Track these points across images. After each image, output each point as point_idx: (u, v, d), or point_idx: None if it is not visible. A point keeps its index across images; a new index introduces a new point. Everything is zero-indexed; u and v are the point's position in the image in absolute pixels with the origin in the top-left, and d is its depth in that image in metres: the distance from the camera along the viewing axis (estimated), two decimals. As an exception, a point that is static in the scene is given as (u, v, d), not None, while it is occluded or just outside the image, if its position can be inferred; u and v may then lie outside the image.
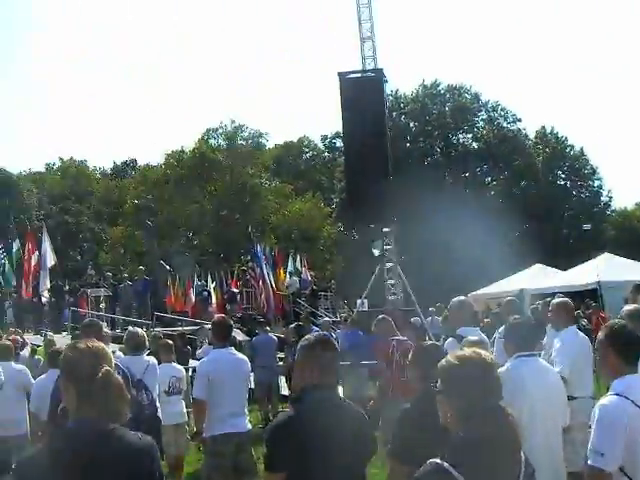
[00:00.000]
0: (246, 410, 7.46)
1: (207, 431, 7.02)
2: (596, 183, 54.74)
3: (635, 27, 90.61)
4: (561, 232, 52.14)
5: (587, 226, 44.12)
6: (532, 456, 2.90)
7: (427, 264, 41.31)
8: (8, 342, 11.38)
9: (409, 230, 30.65)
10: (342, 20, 76.75)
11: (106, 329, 9.08)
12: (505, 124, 54.12)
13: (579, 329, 7.89)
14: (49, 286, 24.18)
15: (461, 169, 53.35)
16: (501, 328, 7.42)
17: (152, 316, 21.49)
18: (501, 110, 54.33)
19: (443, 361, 2.97)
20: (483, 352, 2.97)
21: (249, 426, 7.37)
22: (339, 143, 62.08)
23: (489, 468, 2.59)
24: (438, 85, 53.89)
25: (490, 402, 2.77)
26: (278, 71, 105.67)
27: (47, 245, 24.21)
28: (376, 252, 20.97)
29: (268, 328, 16.08)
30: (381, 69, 20.06)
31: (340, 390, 6.62)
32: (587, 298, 20.50)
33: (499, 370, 3.18)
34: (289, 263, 27.97)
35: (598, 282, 20.43)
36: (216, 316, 8.35)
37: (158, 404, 7.73)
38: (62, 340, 15.99)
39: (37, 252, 24.37)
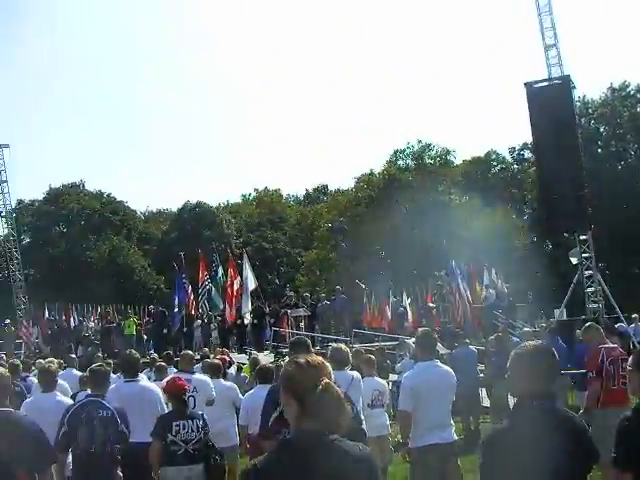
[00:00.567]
0: (452, 421, 7.42)
1: (413, 442, 7.04)
2: None
3: None
4: None
5: None
6: None
7: (629, 270, 39.44)
8: (218, 361, 12.04)
9: (607, 236, 29.45)
10: (525, 29, 75.43)
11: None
12: None
13: None
14: (250, 308, 25.25)
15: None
16: None
17: (350, 332, 21.89)
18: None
19: None
20: None
21: (455, 437, 7.32)
22: (527, 154, 60.64)
23: None
24: (627, 86, 51.38)
25: None
26: (462, 86, 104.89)
27: (248, 270, 25.33)
28: (574, 260, 20.37)
29: (467, 341, 15.97)
30: (568, 75, 19.56)
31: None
32: None
33: None
34: (484, 276, 27.62)
35: None
36: (420, 329, 8.38)
37: (362, 417, 7.89)
38: (265, 358, 16.67)
39: (239, 277, 25.55)
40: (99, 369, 7.29)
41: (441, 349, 17.12)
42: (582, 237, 19.14)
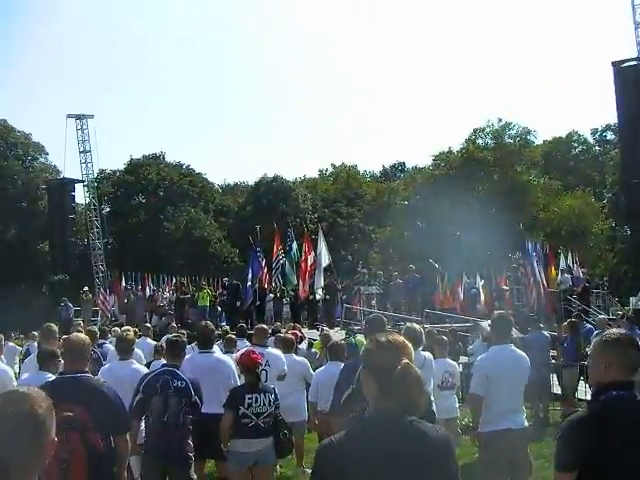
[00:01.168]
0: (523, 407, 7.35)
1: (483, 426, 6.97)
2: None
3: None
4: None
5: None
6: None
7: None
8: (291, 336, 12.15)
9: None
10: (614, 5, 73.12)
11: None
12: None
13: None
14: (323, 284, 25.33)
15: None
16: None
17: (422, 312, 21.81)
18: None
19: None
20: None
21: (526, 423, 7.24)
22: (610, 136, 59.11)
23: None
24: None
25: None
26: (544, 65, 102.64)
27: (323, 246, 25.37)
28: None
29: (541, 325, 15.75)
30: (659, 54, 18.90)
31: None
32: None
33: None
34: (560, 260, 27.12)
35: None
36: (496, 312, 8.27)
37: (432, 398, 7.86)
38: (336, 335, 16.72)
39: (313, 253, 25.64)
40: (177, 340, 7.42)
41: (514, 333, 16.92)
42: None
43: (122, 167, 59.88)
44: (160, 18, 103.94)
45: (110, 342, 13.56)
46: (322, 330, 17.77)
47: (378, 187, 65.94)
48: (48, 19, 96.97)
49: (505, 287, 24.31)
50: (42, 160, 59.42)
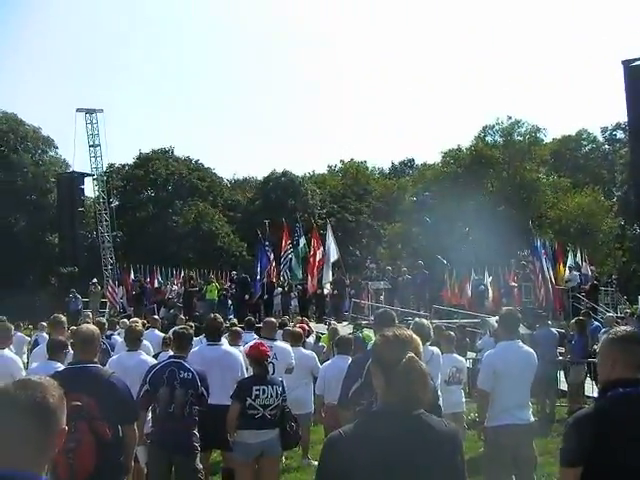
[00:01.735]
0: (530, 403, 7.39)
1: (489, 421, 7.01)
2: None
3: None
4: None
5: None
6: None
7: None
8: (299, 329, 12.20)
9: None
10: (624, 4, 72.83)
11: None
12: None
13: None
14: (331, 279, 25.38)
15: None
16: None
17: (430, 308, 21.82)
18: None
19: None
20: None
21: (532, 418, 7.27)
22: (620, 134, 58.91)
23: None
24: None
25: None
26: (554, 63, 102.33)
27: (331, 241, 25.43)
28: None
29: (549, 322, 15.76)
30: (671, 53, 18.82)
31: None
32: None
33: None
34: (569, 257, 27.10)
35: None
36: (504, 308, 8.29)
37: (439, 392, 7.87)
38: (344, 329, 16.76)
39: (322, 248, 25.69)
40: (184, 332, 7.47)
41: (521, 329, 16.93)
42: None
43: (131, 161, 59.99)
44: (170, 13, 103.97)
45: (118, 333, 13.64)
46: (330, 324, 17.80)
47: (387, 183, 65.93)
48: (58, 13, 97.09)
49: (513, 284, 24.30)
50: (52, 154, 59.54)
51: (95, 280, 31.56)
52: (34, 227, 54.02)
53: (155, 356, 9.90)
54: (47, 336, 12.25)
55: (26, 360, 13.55)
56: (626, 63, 18.62)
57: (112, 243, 44.18)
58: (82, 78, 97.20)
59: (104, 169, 47.46)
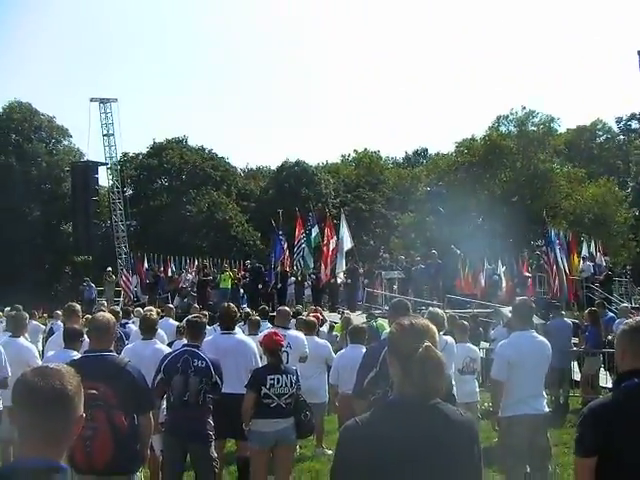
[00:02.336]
0: (544, 393, 7.36)
1: (503, 411, 7.00)
2: None
3: None
4: None
5: None
6: None
7: None
8: (313, 319, 12.20)
9: None
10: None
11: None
12: None
13: None
14: (345, 268, 25.37)
15: None
16: None
17: (443, 298, 21.79)
18: None
19: None
20: None
21: (546, 408, 7.26)
22: (635, 125, 58.58)
23: None
24: None
25: None
26: (569, 53, 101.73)
27: (345, 230, 25.40)
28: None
29: (563, 312, 15.71)
30: (686, 42, 18.64)
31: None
32: None
33: None
34: (583, 248, 27.01)
35: None
36: (518, 298, 8.26)
37: (453, 382, 7.85)
38: (357, 319, 16.74)
39: (335, 237, 25.67)
40: (197, 320, 7.49)
41: (535, 319, 16.88)
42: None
43: (145, 150, 60.03)
44: (183, 2, 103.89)
45: (133, 322, 13.69)
46: (343, 314, 17.80)
47: (400, 173, 65.77)
48: (72, 3, 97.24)
49: (527, 274, 24.22)
50: (66, 143, 59.80)
51: (110, 269, 31.68)
52: (48, 216, 54.31)
53: (169, 345, 9.93)
54: (62, 325, 12.33)
55: (41, 348, 13.64)
56: (641, 53, 18.44)
57: (126, 232, 44.29)
58: (96, 68, 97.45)
59: (118, 158, 47.56)
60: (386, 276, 24.85)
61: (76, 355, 6.68)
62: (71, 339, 7.44)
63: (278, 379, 6.97)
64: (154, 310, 10.04)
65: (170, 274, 31.28)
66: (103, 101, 43.48)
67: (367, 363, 5.94)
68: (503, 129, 53.99)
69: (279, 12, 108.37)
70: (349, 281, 25.22)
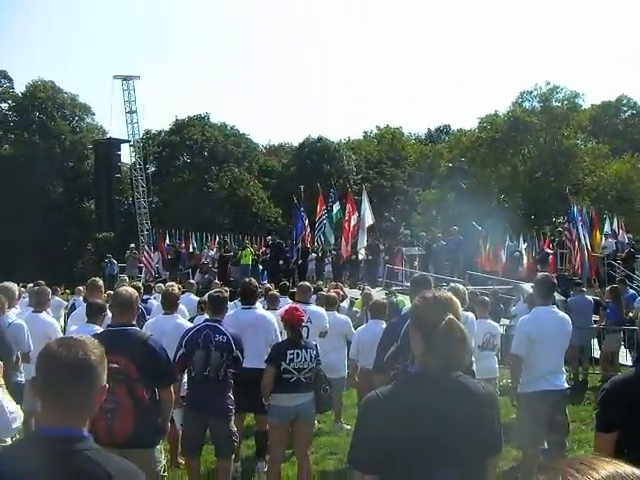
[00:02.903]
0: (564, 369, 7.36)
1: (523, 387, 7.02)
2: None
3: None
4: None
5: None
6: None
7: None
8: (334, 294, 12.23)
9: None
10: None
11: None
12: None
13: None
14: (366, 244, 25.35)
15: None
16: None
17: (464, 274, 21.73)
18: None
19: None
20: None
21: (566, 385, 7.27)
22: (661, 99, 57.79)
23: None
24: None
25: None
26: (594, 28, 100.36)
27: (367, 206, 25.34)
28: None
29: (584, 289, 15.62)
30: None
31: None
32: None
33: None
34: (605, 225, 26.78)
35: None
36: (540, 274, 8.22)
37: (473, 358, 7.83)
38: (377, 295, 16.74)
39: (357, 213, 25.63)
40: (218, 295, 7.52)
41: (556, 296, 16.80)
42: None
43: (167, 128, 60.13)
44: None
45: (154, 298, 13.79)
46: (364, 289, 17.81)
47: (422, 149, 65.44)
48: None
49: (549, 250, 24.09)
50: (89, 121, 60.08)
51: (132, 245, 31.85)
52: (71, 193, 54.73)
53: (190, 320, 10.01)
54: (84, 301, 12.44)
55: (63, 324, 13.78)
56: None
57: (148, 209, 44.51)
58: (119, 45, 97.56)
59: (140, 136, 47.71)
60: (407, 252, 24.83)
61: (99, 329, 6.75)
62: (94, 314, 7.52)
63: (298, 354, 7.00)
64: (175, 285, 10.09)
65: (191, 250, 31.39)
66: (126, 78, 43.57)
67: (387, 338, 5.94)
68: (527, 105, 53.52)
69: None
70: (370, 257, 25.18)
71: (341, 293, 15.98)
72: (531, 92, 53.30)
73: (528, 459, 7.18)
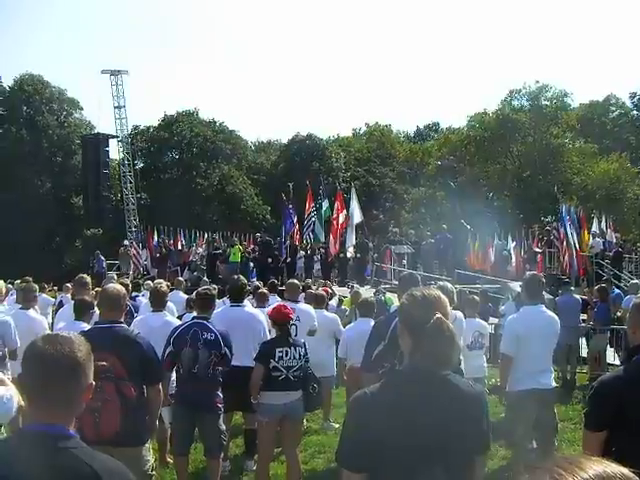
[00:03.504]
0: (552, 368, 7.38)
1: (511, 386, 7.02)
2: None
3: None
4: None
5: None
6: None
7: None
8: (322, 292, 12.23)
9: None
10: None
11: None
12: None
13: None
14: (354, 242, 25.35)
15: None
16: None
17: (452, 273, 21.76)
18: None
19: None
20: None
21: (554, 384, 7.29)
22: (649, 100, 58.07)
23: None
24: None
25: None
26: (582, 27, 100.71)
27: (355, 204, 25.34)
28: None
29: (572, 289, 15.66)
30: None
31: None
32: None
33: None
34: (593, 224, 26.88)
35: None
36: (528, 273, 8.24)
37: (461, 357, 7.81)
38: (366, 293, 16.74)
39: (345, 211, 25.63)
40: (207, 293, 7.50)
41: (544, 294, 16.81)
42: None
43: (156, 123, 59.89)
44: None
45: (143, 295, 13.74)
46: (352, 287, 17.80)
47: (411, 147, 65.51)
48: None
49: (537, 249, 24.14)
50: (77, 115, 59.75)
51: (127, 242, 31.75)
52: (59, 189, 54.45)
53: (179, 317, 9.98)
54: (71, 298, 12.37)
55: (50, 321, 13.70)
56: (657, 27, 18.20)
57: (136, 205, 44.43)
58: (108, 40, 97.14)
59: (129, 131, 47.59)
60: (395, 251, 24.84)
61: (86, 327, 6.72)
62: (81, 311, 7.48)
63: (287, 352, 7.00)
64: (164, 283, 10.05)
65: (180, 247, 31.26)
66: (114, 73, 43.46)
67: (375, 336, 5.93)
68: (516, 103, 53.74)
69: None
70: (358, 255, 25.20)
71: (329, 291, 15.96)
72: (520, 91, 53.55)
73: (517, 458, 7.19)
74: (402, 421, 2.76)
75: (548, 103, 52.42)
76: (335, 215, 25.82)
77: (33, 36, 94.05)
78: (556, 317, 7.37)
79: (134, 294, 13.39)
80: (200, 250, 30.23)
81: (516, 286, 13.31)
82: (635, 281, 18.39)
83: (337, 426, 9.67)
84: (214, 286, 13.15)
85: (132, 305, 11.13)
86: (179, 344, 6.93)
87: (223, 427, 7.17)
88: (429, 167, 55.77)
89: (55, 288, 24.36)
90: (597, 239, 24.63)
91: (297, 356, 7.04)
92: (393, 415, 2.78)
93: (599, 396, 3.68)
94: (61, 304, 14.78)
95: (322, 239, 26.71)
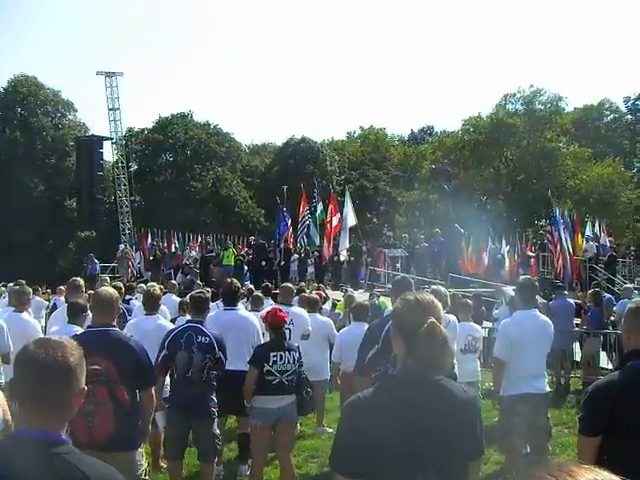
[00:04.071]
0: (546, 372, 7.39)
1: (505, 390, 7.00)
2: None
3: None
4: None
5: None
6: None
7: None
8: (316, 296, 12.19)
9: None
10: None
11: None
12: None
13: None
14: (348, 246, 25.33)
15: None
16: None
17: (446, 276, 21.76)
18: None
19: None
20: None
21: (548, 388, 7.30)
22: (643, 104, 58.24)
23: None
24: None
25: None
26: (577, 32, 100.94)
27: (349, 207, 25.32)
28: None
29: (566, 292, 15.66)
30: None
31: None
32: None
33: None
34: (587, 228, 26.91)
35: None
36: (522, 277, 8.24)
37: (455, 361, 7.81)
38: (360, 296, 16.73)
39: (339, 214, 25.61)
40: (200, 296, 7.48)
41: (538, 299, 16.80)
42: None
43: (150, 125, 59.80)
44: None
45: (136, 298, 13.70)
46: (346, 291, 17.79)
47: (406, 151, 65.55)
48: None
49: (531, 253, 24.16)
50: (71, 117, 59.64)
51: (124, 246, 31.67)
52: (52, 191, 54.30)
53: (172, 321, 9.95)
54: (65, 301, 12.33)
55: (44, 324, 13.66)
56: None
57: (130, 207, 44.35)
58: (102, 41, 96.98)
59: (123, 133, 47.53)
60: (389, 254, 24.83)
61: (79, 330, 6.68)
62: (74, 314, 7.44)
63: (281, 356, 6.98)
64: (157, 286, 10.03)
65: (173, 250, 31.23)
66: (109, 75, 43.41)
67: (369, 340, 5.92)
68: (510, 107, 53.88)
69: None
70: (352, 259, 25.18)
71: (323, 295, 15.93)
72: (514, 94, 53.67)
73: (511, 462, 7.18)
74: (396, 426, 2.74)
75: (542, 107, 52.58)
76: (328, 218, 25.80)
77: (28, 37, 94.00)
78: (550, 321, 7.37)
79: (127, 297, 13.34)
80: (194, 253, 30.20)
81: (510, 290, 13.33)
82: (629, 285, 18.45)
83: (331, 430, 9.64)
84: (207, 289, 13.13)
85: (125, 308, 11.10)
86: (173, 348, 6.90)
87: (217, 431, 7.15)
88: (423, 171, 55.84)
89: (48, 291, 24.31)
90: (591, 243, 24.64)
91: (291, 360, 7.02)
92: (387, 420, 2.76)
93: (594, 401, 3.67)
94: (54, 307, 14.75)
95: (317, 242, 26.69)
